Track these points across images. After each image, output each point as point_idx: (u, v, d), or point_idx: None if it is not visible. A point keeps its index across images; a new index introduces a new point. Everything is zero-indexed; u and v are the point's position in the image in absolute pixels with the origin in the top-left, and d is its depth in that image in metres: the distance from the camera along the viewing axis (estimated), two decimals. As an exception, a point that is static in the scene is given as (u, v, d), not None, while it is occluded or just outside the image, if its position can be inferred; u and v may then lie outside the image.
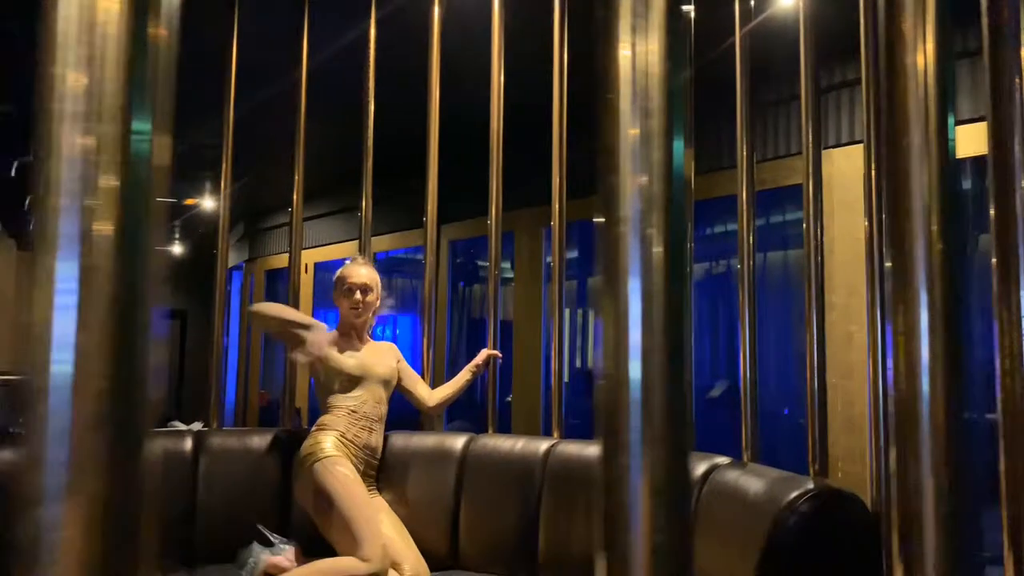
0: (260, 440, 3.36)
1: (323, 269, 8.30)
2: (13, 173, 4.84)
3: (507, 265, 7.91)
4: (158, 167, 0.48)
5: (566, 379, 6.44)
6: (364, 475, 3.11)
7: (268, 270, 9.28)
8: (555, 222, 3.50)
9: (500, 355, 3.58)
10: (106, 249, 0.45)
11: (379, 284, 3.33)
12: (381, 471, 3.28)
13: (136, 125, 0.46)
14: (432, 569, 3.04)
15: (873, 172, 2.18)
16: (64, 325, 0.44)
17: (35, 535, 0.43)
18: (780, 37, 3.29)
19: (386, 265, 7.69)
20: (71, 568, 0.43)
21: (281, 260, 9.04)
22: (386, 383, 3.25)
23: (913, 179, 0.67)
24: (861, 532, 2.11)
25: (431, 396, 3.47)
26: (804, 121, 2.49)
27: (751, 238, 2.70)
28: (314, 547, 2.93)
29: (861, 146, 4.11)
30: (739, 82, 2.77)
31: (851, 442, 3.99)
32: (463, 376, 3.50)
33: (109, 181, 0.46)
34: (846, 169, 4.03)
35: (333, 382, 3.18)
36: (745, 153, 2.73)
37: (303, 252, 8.88)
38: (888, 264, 0.67)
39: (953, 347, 0.64)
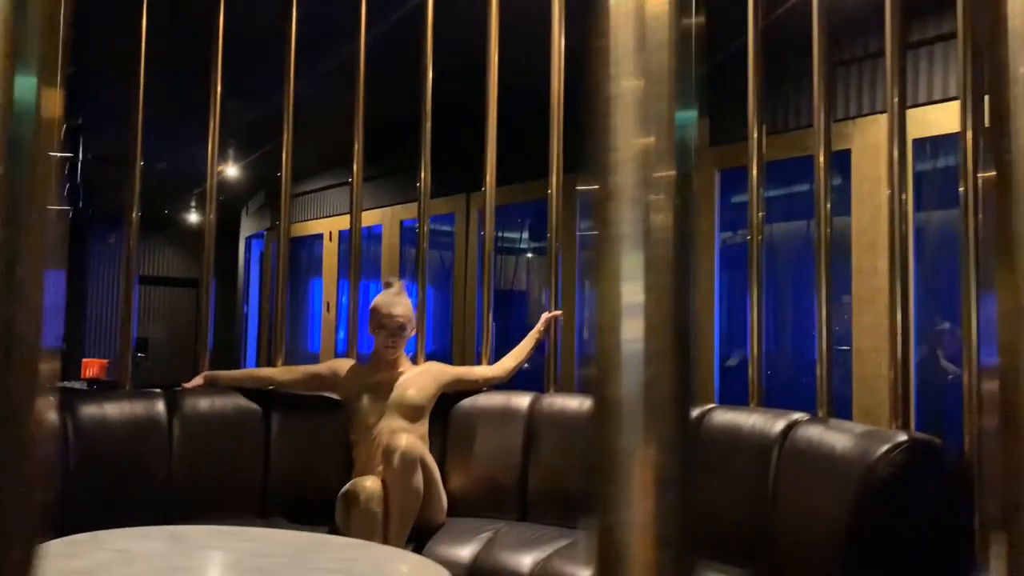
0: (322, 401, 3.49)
1: (349, 238, 8.35)
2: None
3: (520, 235, 7.97)
4: (697, 149, 0.53)
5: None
6: None
7: (292, 238, 9.31)
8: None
9: (561, 313, 3.68)
10: (665, 239, 0.49)
11: (413, 315, 3.41)
12: (451, 430, 3.42)
13: (680, 116, 0.50)
14: (504, 520, 3.19)
15: (969, 131, 2.24)
16: (632, 310, 0.49)
17: (610, 491, 0.49)
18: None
19: (412, 235, 7.74)
20: (642, 520, 0.49)
21: (305, 228, 9.08)
22: (405, 408, 3.28)
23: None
24: (955, 481, 2.21)
25: (497, 367, 3.56)
26: (889, 80, 2.54)
27: (826, 204, 2.76)
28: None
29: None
30: (815, 41, 2.78)
31: (881, 405, 4.10)
32: (527, 343, 3.60)
33: (665, 174, 0.50)
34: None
35: (350, 419, 3.33)
36: (823, 117, 2.76)
37: (326, 220, 8.93)
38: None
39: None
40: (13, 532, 0.42)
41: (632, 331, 0.49)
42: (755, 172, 2.88)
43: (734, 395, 5.22)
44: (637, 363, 0.48)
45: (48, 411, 0.44)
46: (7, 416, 0.42)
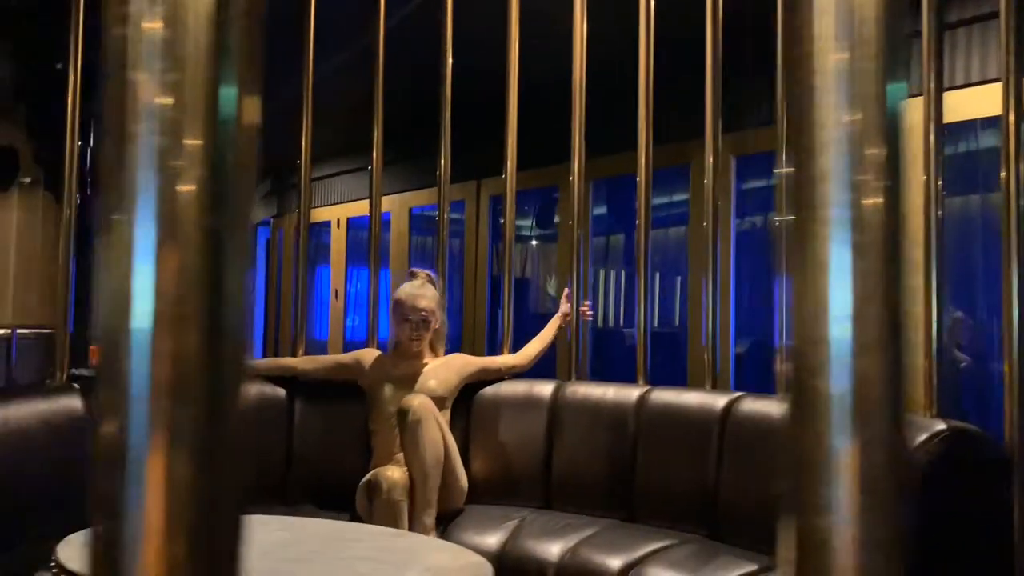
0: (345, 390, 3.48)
1: (356, 225, 8.35)
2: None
3: (525, 223, 7.95)
4: (905, 126, 0.50)
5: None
6: None
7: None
8: (641, 177, 3.54)
9: (584, 302, 3.67)
10: (875, 222, 0.47)
11: (437, 307, 3.36)
12: (474, 418, 3.41)
13: (891, 89, 0.48)
14: (527, 508, 3.18)
15: (1011, 114, 2.21)
16: (839, 299, 0.47)
17: (813, 492, 0.48)
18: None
19: (420, 223, 7.72)
20: (849, 525, 0.47)
21: (312, 215, 9.04)
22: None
23: None
24: (995, 471, 2.20)
25: (520, 355, 3.55)
26: (926, 63, 2.49)
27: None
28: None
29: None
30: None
31: (913, 394, 4.10)
32: (550, 329, 3.59)
33: (875, 151, 0.48)
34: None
35: (371, 408, 3.32)
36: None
37: (334, 207, 8.90)
38: None
39: None
40: (225, 505, 0.46)
41: (839, 322, 0.47)
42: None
43: (746, 382, 5.23)
44: (845, 357, 0.46)
45: (250, 396, 0.48)
46: (218, 401, 0.45)
